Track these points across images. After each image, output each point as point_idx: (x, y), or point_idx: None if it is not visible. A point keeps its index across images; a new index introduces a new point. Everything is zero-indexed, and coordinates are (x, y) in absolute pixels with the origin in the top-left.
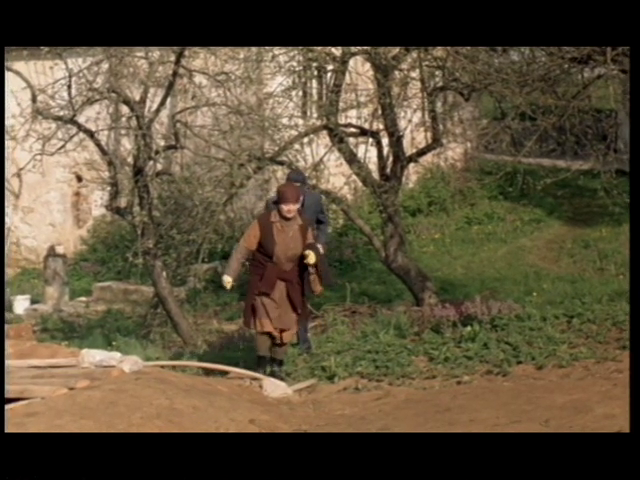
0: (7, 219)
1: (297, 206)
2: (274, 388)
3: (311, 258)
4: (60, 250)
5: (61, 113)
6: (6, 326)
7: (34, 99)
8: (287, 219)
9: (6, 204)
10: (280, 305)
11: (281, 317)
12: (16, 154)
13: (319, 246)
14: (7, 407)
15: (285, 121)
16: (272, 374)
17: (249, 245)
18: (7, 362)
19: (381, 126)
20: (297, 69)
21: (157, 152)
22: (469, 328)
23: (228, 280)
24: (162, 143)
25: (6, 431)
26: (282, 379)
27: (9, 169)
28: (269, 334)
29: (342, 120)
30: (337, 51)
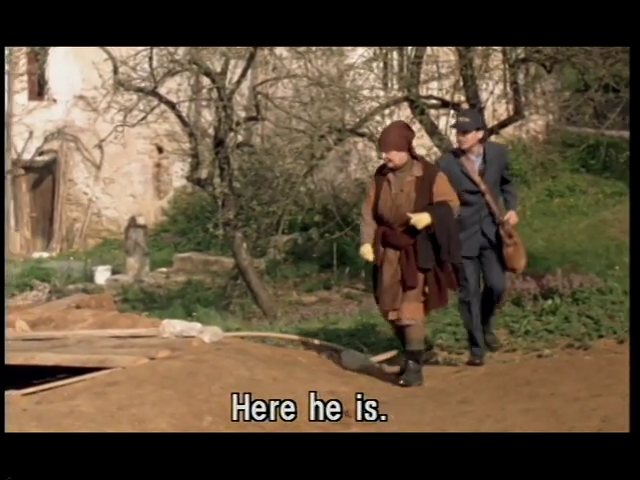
0: (88, 190)
1: (396, 153)
2: (354, 359)
3: (418, 222)
4: (141, 221)
5: (142, 85)
6: (87, 296)
7: (116, 71)
8: (398, 170)
9: (87, 175)
10: (392, 279)
11: (391, 294)
12: (97, 125)
13: (453, 208)
14: (88, 376)
15: (366, 93)
16: (406, 367)
17: (368, 203)
18: (89, 332)
19: (462, 98)
20: None
21: (238, 124)
22: (550, 301)
23: (365, 250)
24: (243, 115)
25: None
26: (415, 380)
27: (90, 140)
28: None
29: (423, 92)
30: None
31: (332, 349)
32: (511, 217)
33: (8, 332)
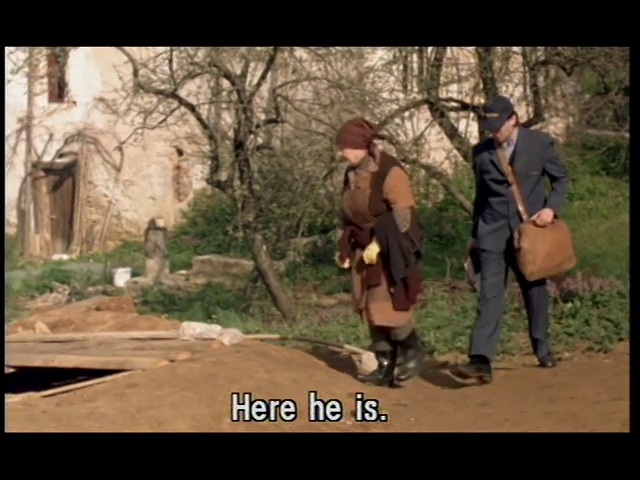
0: (108, 192)
1: (351, 151)
2: (373, 362)
3: (371, 256)
4: (161, 223)
5: (162, 87)
6: (107, 298)
7: (135, 73)
8: (357, 167)
9: (107, 177)
10: (361, 280)
11: (358, 293)
12: (117, 128)
13: (397, 211)
14: (108, 378)
15: (386, 95)
16: (399, 365)
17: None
18: (109, 334)
19: (482, 100)
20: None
21: (258, 126)
22: (570, 304)
23: (336, 257)
24: (263, 117)
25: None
26: (416, 369)
27: (110, 142)
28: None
29: (443, 94)
30: None
31: (352, 351)
32: (540, 216)
33: (28, 334)
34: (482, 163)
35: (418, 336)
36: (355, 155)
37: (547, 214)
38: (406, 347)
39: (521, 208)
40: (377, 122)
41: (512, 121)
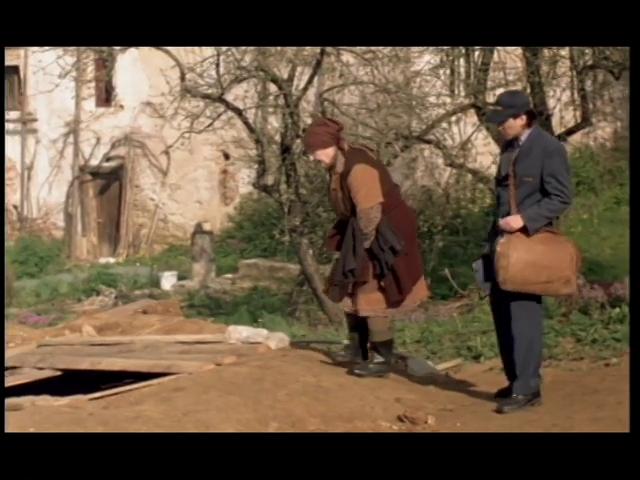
0: (155, 196)
1: (322, 152)
2: (420, 367)
3: None
4: (207, 227)
5: (209, 91)
6: (153, 302)
7: (183, 77)
8: (331, 168)
9: (154, 181)
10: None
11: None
12: (164, 132)
13: (358, 213)
14: (155, 381)
15: (432, 99)
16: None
17: None
18: (156, 337)
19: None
20: (445, 47)
21: (304, 130)
22: (618, 310)
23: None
24: (309, 121)
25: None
26: (372, 372)
27: (157, 146)
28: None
29: (490, 99)
30: None
31: (398, 356)
32: (505, 219)
33: (75, 337)
34: (499, 161)
35: (393, 350)
36: (326, 154)
37: (514, 220)
38: (375, 351)
39: (513, 211)
40: (424, 126)
41: (520, 121)
